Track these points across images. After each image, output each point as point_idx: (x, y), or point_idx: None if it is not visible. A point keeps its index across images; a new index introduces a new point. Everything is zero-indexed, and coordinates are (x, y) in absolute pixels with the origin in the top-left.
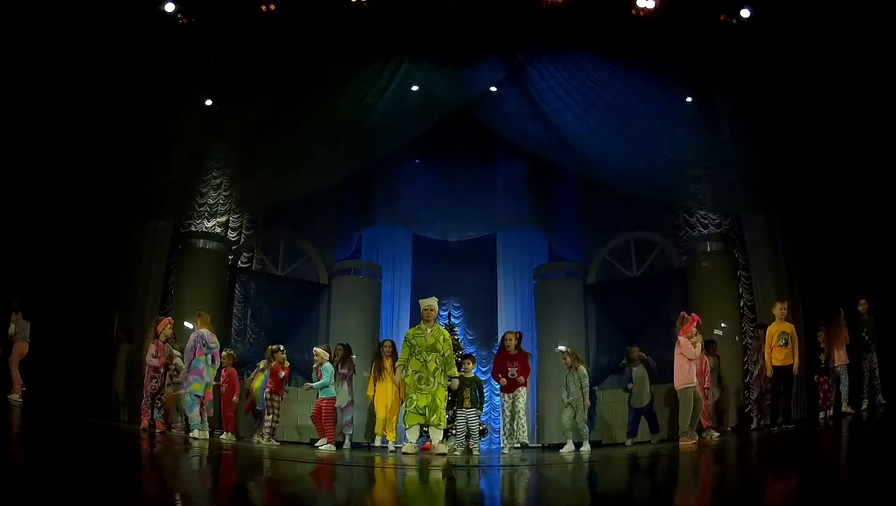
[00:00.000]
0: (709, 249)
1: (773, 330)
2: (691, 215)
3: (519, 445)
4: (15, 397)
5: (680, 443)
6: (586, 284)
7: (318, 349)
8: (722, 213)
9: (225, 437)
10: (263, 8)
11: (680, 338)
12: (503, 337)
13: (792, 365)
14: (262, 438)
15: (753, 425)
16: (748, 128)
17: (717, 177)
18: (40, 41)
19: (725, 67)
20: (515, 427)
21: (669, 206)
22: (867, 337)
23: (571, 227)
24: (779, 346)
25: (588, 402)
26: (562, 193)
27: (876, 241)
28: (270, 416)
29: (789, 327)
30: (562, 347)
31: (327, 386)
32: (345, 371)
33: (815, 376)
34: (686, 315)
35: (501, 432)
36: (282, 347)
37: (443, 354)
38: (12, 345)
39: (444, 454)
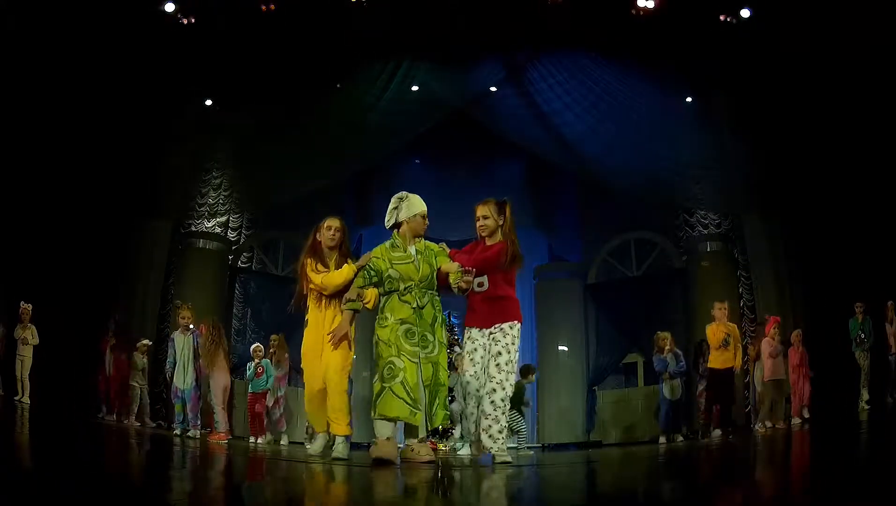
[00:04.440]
0: (709, 249)
1: (714, 331)
2: (691, 215)
3: (471, 448)
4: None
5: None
6: (586, 284)
7: (258, 345)
8: (722, 213)
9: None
10: (263, 8)
11: (765, 338)
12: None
13: (732, 368)
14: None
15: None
16: (748, 128)
17: (717, 177)
18: (41, 41)
19: (725, 67)
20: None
21: (669, 206)
22: (864, 336)
23: (571, 227)
24: (721, 348)
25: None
26: (562, 193)
27: (875, 240)
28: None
29: (732, 328)
30: (458, 348)
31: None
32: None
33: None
34: (767, 317)
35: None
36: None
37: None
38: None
39: (431, 461)
